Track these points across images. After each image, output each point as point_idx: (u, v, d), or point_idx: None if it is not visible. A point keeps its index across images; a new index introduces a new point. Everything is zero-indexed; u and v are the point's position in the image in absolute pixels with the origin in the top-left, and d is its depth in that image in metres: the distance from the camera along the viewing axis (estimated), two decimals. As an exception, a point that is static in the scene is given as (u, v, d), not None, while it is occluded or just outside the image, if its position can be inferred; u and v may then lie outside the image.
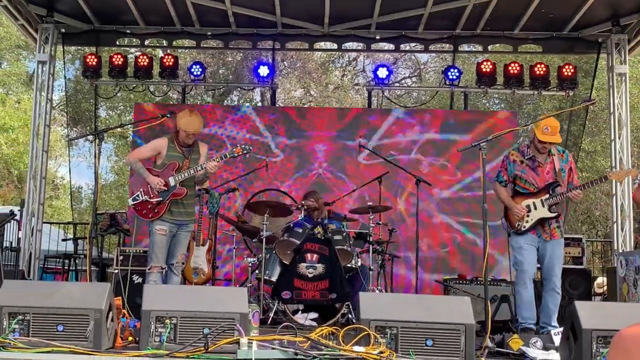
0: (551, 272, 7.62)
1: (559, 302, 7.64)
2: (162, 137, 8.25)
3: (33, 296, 5.35)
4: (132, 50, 15.58)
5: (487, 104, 23.98)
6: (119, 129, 22.87)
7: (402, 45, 14.09)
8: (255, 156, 11.45)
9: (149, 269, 7.94)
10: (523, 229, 7.59)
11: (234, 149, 8.15)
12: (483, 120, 13.36)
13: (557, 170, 7.67)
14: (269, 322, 8.27)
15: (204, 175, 8.13)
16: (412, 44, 14.30)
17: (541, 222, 7.62)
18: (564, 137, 17.10)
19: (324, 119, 13.38)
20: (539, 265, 7.87)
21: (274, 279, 9.11)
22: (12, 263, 11.78)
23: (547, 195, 7.58)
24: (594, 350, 5.02)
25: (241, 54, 23.81)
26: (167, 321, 5.13)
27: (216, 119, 13.22)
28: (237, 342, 4.91)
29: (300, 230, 9.21)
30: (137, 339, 5.53)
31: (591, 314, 5.20)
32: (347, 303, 8.58)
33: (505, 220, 7.89)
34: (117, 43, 13.90)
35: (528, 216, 7.59)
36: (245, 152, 8.20)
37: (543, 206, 7.58)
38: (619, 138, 12.54)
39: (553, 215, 7.58)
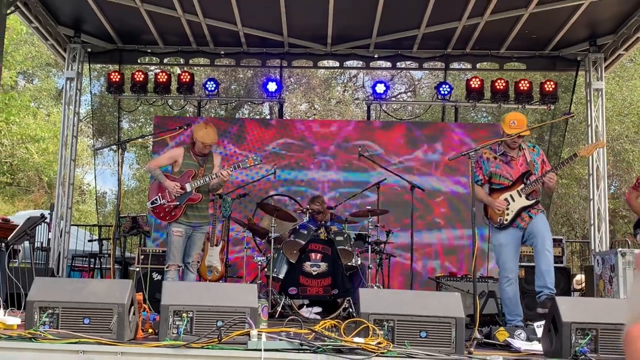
0: (539, 236, 7.14)
1: (552, 262, 7.11)
2: (179, 147, 8.28)
3: (62, 292, 5.35)
4: (152, 67, 15.59)
5: (476, 117, 23.98)
6: (140, 140, 22.99)
7: (398, 63, 14.07)
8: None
9: (167, 267, 7.95)
10: (505, 222, 7.25)
11: (246, 160, 8.16)
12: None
13: (529, 161, 7.35)
14: (276, 316, 8.27)
15: (218, 184, 8.12)
16: (407, 62, 14.26)
17: (519, 214, 7.26)
18: (545, 147, 17.11)
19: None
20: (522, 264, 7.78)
21: (281, 276, 9.13)
22: (42, 262, 11.77)
23: (523, 185, 7.24)
24: (572, 342, 5.01)
25: (251, 71, 23.86)
26: (184, 315, 5.13)
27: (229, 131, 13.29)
28: (248, 334, 4.91)
29: (305, 232, 9.23)
30: (156, 330, 5.53)
31: (570, 308, 5.19)
32: (348, 298, 8.60)
33: (486, 218, 7.55)
34: (139, 61, 13.96)
35: (508, 209, 7.25)
36: (255, 162, 8.22)
37: (520, 196, 7.25)
38: (596, 148, 12.57)
39: (532, 202, 7.24)
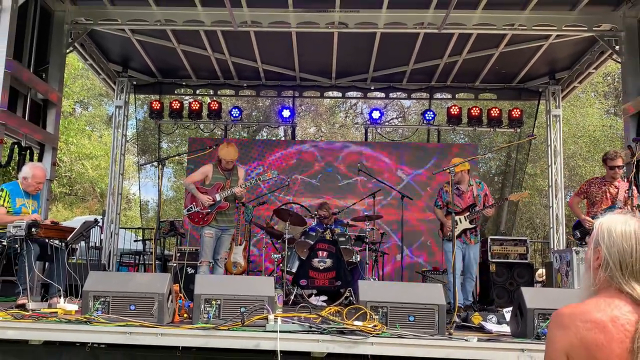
0: (470, 267, 8.43)
1: (474, 285, 8.63)
2: (209, 164, 8.28)
3: (112, 283, 5.38)
4: (187, 97, 15.61)
5: (455, 138, 23.98)
6: (176, 157, 22.98)
7: (390, 94, 14.11)
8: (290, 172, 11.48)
9: (199, 263, 7.97)
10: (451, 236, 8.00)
11: (265, 174, 8.19)
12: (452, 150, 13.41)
13: (475, 195, 8.47)
14: (290, 303, 8.25)
15: (240, 194, 8.13)
16: (398, 93, 14.27)
17: (464, 232, 8.37)
18: (512, 163, 17.06)
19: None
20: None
21: (293, 270, 9.12)
22: (96, 258, 11.81)
23: (468, 213, 8.37)
24: (535, 324, 5.03)
25: (269, 101, 23.89)
26: (213, 302, 5.15)
27: (252, 150, 13.31)
28: (266, 318, 4.92)
29: (314, 234, 9.23)
30: (190, 315, 5.54)
31: (533, 297, 5.21)
32: (349, 288, 8.58)
33: (441, 231, 8.69)
34: (176, 92, 13.98)
35: (456, 228, 7.93)
36: (273, 176, 8.24)
37: (466, 220, 8.36)
38: (554, 164, 12.59)
39: (473, 226, 8.39)
